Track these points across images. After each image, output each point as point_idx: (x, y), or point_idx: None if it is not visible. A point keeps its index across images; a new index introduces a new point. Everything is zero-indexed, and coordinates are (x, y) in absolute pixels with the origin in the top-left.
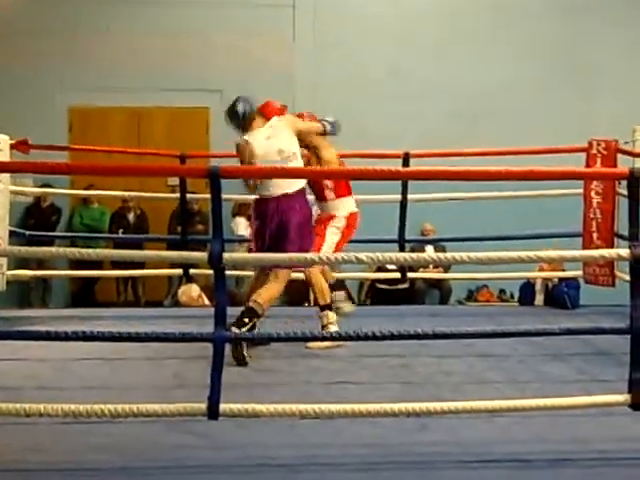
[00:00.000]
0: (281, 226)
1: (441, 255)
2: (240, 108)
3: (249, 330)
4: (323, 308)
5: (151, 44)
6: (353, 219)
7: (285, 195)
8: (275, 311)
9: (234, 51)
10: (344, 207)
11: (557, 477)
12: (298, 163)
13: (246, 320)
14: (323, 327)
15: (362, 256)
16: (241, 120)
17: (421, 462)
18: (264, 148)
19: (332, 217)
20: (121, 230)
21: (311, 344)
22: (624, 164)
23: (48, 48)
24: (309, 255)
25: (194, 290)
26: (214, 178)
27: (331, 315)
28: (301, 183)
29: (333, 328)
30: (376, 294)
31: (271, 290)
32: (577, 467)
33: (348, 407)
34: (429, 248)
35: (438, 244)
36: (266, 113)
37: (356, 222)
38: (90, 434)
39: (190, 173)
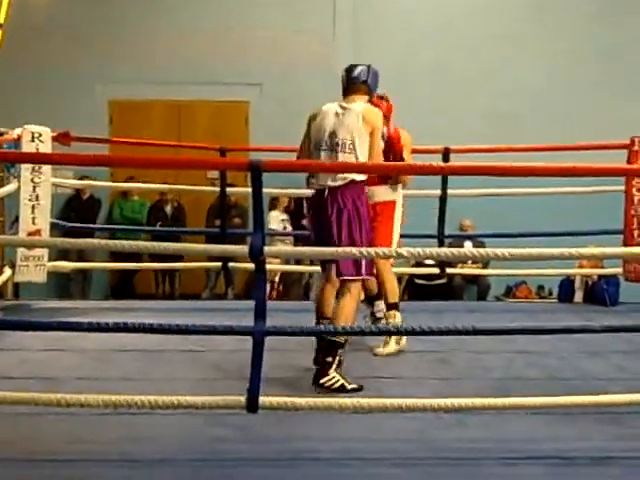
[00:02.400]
0: (324, 222)
1: (482, 251)
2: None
3: (338, 367)
4: (390, 307)
5: (193, 38)
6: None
7: (331, 188)
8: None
9: (275, 45)
10: (400, 193)
11: (600, 475)
12: (353, 157)
13: (329, 359)
14: None
15: (403, 251)
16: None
17: (460, 458)
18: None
19: (394, 206)
20: (159, 223)
21: (379, 351)
22: None
23: (89, 41)
24: (350, 249)
25: None
26: (255, 171)
27: (398, 315)
28: (351, 176)
29: None
30: (414, 289)
31: (347, 308)
32: (620, 465)
33: (387, 402)
34: (468, 244)
35: (477, 240)
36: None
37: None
38: (130, 425)
39: (231, 166)
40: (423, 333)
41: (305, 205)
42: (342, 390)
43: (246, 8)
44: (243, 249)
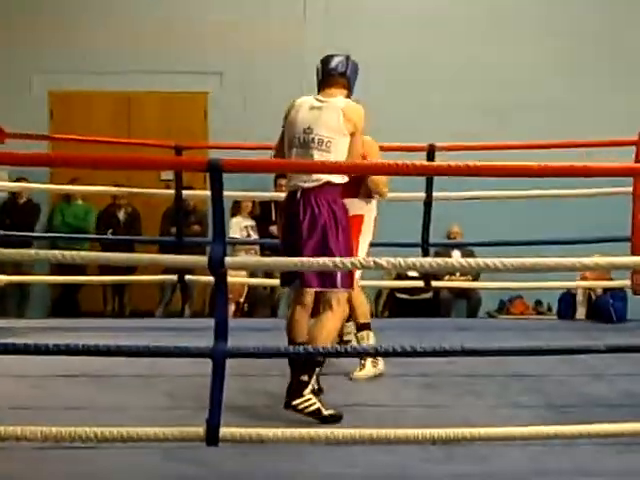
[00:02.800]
0: (296, 227)
1: (471, 261)
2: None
3: (315, 390)
4: (361, 327)
5: (142, 21)
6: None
7: (304, 189)
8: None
9: (236, 29)
10: (374, 207)
11: None
12: (330, 156)
13: (305, 378)
14: None
15: (382, 261)
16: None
17: None
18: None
19: (361, 221)
20: (110, 230)
21: (356, 375)
22: None
23: (26, 25)
24: (323, 259)
25: None
26: (215, 172)
27: (371, 336)
28: (327, 177)
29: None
30: (396, 305)
31: (328, 325)
32: None
33: (365, 432)
34: (456, 253)
35: (466, 249)
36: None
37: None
38: (73, 461)
39: (188, 166)
40: (405, 354)
41: (274, 210)
42: (317, 415)
43: None
44: (202, 260)
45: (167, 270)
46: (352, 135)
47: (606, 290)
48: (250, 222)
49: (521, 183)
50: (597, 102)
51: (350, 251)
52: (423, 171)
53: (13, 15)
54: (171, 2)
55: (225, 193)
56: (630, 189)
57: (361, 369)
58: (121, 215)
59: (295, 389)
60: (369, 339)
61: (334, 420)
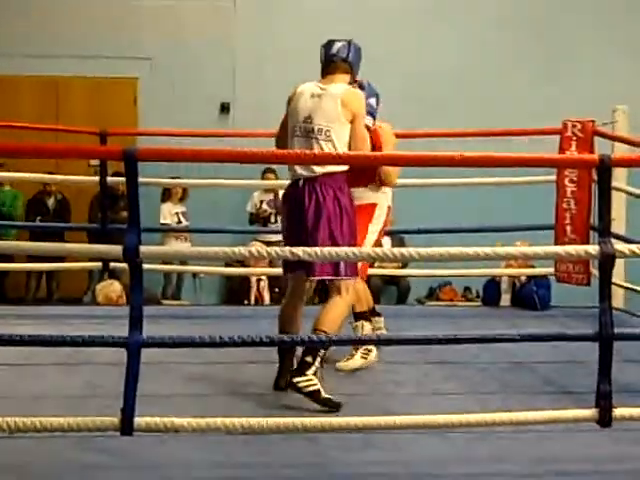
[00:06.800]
0: (301, 216)
1: (395, 250)
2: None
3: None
4: (357, 317)
5: (70, 3)
6: (389, 213)
7: (310, 178)
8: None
9: (166, 14)
10: (388, 196)
11: None
12: (331, 145)
13: (309, 359)
14: None
15: (303, 250)
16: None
17: None
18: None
19: (373, 209)
20: (38, 218)
21: (340, 365)
22: (602, 148)
23: None
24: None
25: (114, 288)
26: (130, 161)
27: (367, 326)
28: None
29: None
30: (324, 291)
31: (333, 311)
32: None
33: (281, 421)
34: (385, 240)
35: (395, 236)
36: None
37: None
38: None
39: (103, 155)
40: (323, 343)
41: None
42: (316, 396)
43: None
44: (115, 249)
45: (94, 257)
46: (352, 122)
47: (530, 277)
48: (181, 208)
49: (450, 171)
50: (529, 90)
51: (355, 240)
52: (344, 161)
53: None
54: None
55: (155, 180)
56: (554, 177)
57: (348, 359)
58: (50, 202)
59: (298, 368)
60: (364, 329)
61: (332, 405)
